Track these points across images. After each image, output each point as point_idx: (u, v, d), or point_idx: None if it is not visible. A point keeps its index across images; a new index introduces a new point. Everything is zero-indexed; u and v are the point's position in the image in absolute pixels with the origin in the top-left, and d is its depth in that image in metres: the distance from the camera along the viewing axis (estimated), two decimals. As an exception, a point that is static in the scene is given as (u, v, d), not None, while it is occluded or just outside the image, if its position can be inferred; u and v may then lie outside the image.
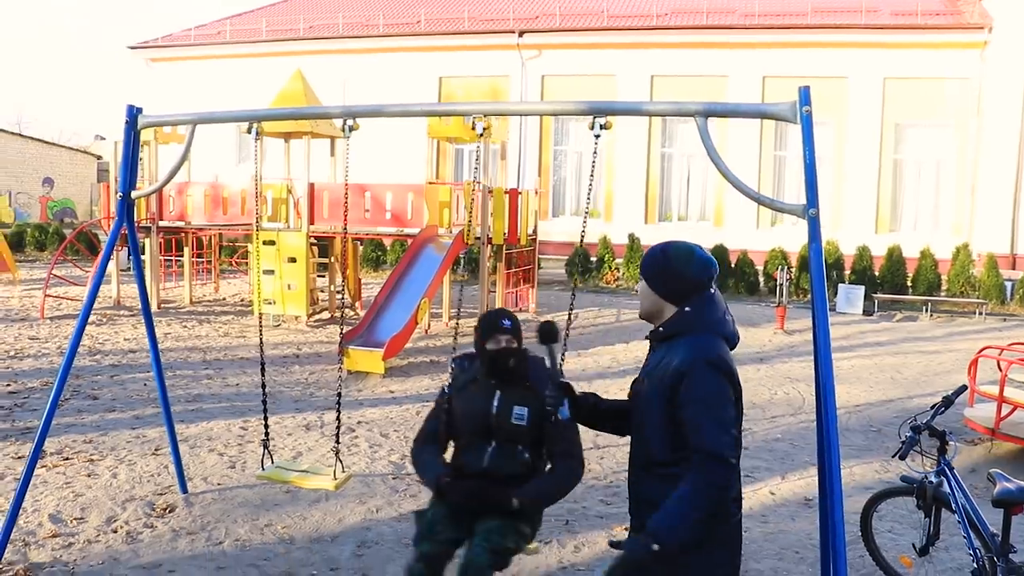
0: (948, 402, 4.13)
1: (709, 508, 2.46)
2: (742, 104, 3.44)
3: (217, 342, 11.28)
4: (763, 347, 12.30)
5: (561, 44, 24.06)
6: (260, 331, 4.81)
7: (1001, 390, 6.64)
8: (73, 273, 17.47)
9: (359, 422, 7.66)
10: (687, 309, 2.64)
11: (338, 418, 4.71)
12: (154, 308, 13.83)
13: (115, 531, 5.02)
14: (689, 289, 2.65)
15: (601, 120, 3.46)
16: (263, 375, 4.85)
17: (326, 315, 13.55)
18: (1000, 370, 7.00)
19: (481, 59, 24.45)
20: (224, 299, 15.65)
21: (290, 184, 13.05)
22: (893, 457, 4.14)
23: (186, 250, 14.71)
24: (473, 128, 3.69)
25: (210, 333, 11.95)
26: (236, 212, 13.29)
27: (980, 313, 15.97)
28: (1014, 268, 19.00)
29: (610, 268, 19.96)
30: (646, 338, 2.83)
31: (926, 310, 16.22)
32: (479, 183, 12.16)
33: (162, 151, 14.26)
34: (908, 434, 3.95)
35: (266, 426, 4.81)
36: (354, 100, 23.89)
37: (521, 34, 23.85)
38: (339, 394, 4.73)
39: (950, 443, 3.99)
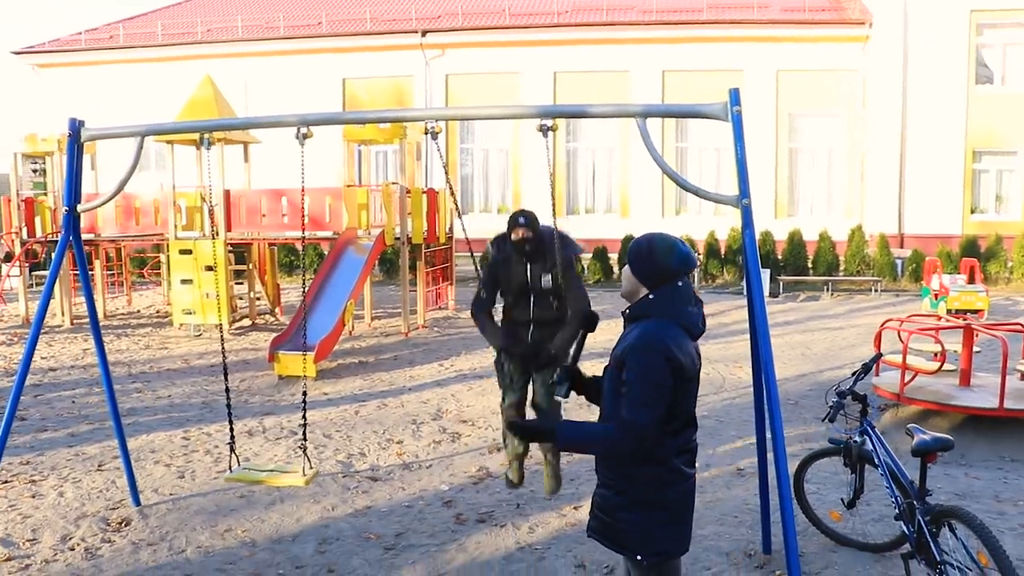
0: (867, 369, 4.55)
1: (605, 454, 2.95)
2: (680, 105, 3.74)
3: (139, 355, 11.07)
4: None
5: (464, 43, 24.25)
6: (222, 339, 4.89)
7: (904, 358, 7.22)
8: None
9: (300, 425, 7.70)
10: (651, 296, 2.90)
11: (304, 417, 4.85)
12: (67, 324, 13.43)
13: (72, 549, 5.00)
14: (662, 276, 2.89)
15: (548, 122, 3.71)
16: (226, 380, 4.94)
17: (247, 322, 13.41)
18: (901, 341, 7.60)
19: (385, 60, 24.42)
20: (138, 311, 15.27)
21: (204, 192, 12.87)
22: (823, 420, 4.55)
23: (97, 263, 14.29)
24: (426, 132, 3.88)
25: (130, 347, 11.71)
26: (149, 222, 13.02)
27: (876, 290, 16.98)
28: (902, 247, 20.22)
29: (525, 263, 20.27)
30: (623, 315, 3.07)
31: (827, 289, 17.16)
32: (397, 184, 12.28)
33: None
34: (834, 399, 4.35)
35: (231, 430, 4.90)
36: (257, 103, 23.50)
37: (424, 34, 23.94)
38: (304, 394, 4.87)
39: (870, 406, 4.41)
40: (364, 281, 11.43)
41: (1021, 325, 7.68)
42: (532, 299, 5.08)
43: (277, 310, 14.24)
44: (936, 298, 12.90)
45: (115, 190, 4.53)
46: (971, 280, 13.40)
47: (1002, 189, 21.14)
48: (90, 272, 15.24)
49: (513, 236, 5.04)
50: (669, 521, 2.88)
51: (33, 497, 5.84)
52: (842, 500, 4.81)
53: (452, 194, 4.68)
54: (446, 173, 4.56)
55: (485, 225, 23.35)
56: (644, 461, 2.82)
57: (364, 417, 8.05)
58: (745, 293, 3.43)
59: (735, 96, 3.57)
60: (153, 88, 24.56)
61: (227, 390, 4.99)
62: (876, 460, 4.31)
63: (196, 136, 12.15)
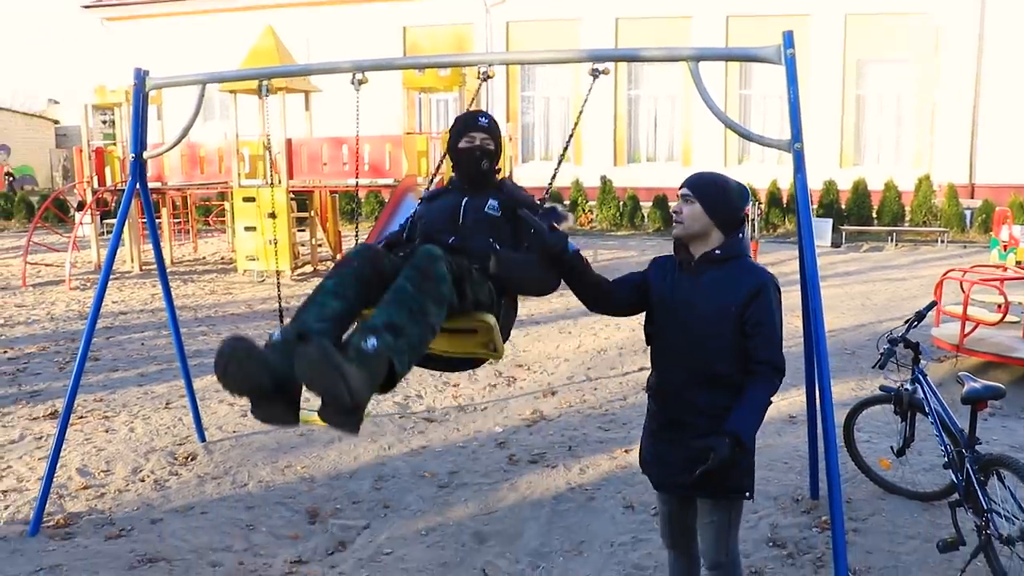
0: (920, 316, 4.50)
1: (766, 412, 2.89)
2: (733, 48, 3.72)
3: (205, 300, 11.43)
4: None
5: (524, -11, 23.95)
6: (278, 285, 5.04)
7: (964, 309, 7.06)
8: (47, 239, 17.38)
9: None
10: (740, 235, 2.96)
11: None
12: (136, 270, 13.91)
13: (142, 480, 5.28)
14: (739, 220, 2.97)
15: (600, 67, 3.70)
16: (281, 321, 5.09)
17: (308, 268, 13.71)
18: (963, 291, 7.44)
19: (445, 6, 24.25)
20: (204, 258, 15.73)
21: (266, 140, 13.06)
22: (873, 367, 4.52)
23: (164, 211, 14.72)
24: (478, 76, 3.90)
25: (196, 292, 12.09)
26: (214, 171, 13.32)
27: (942, 241, 16.53)
28: (972, 197, 19.56)
29: (584, 211, 20.23)
30: (690, 263, 2.98)
31: (891, 240, 16.75)
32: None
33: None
34: (886, 346, 4.32)
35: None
36: (318, 54, 23.60)
37: (485, -20, 23.70)
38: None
39: (923, 353, 4.37)
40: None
41: (1091, 277, 7.44)
42: (458, 235, 3.38)
43: (338, 257, 14.50)
44: (1005, 249, 12.50)
45: (178, 137, 4.68)
46: (1044, 231, 12.93)
47: (1083, 137, 20.21)
48: (157, 220, 15.76)
49: (462, 144, 3.46)
50: (753, 454, 3.03)
51: (106, 432, 6.15)
52: (892, 448, 4.80)
53: (511, 139, 4.23)
54: (507, 119, 4.51)
55: (546, 173, 23.32)
56: None
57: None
58: (799, 238, 3.42)
59: (788, 39, 3.51)
60: (217, 40, 24.83)
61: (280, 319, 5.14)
62: (927, 408, 4.29)
63: (256, 84, 12.39)
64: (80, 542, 4.43)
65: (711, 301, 2.90)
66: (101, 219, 14.95)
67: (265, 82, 4.18)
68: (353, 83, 4.05)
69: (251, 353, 2.67)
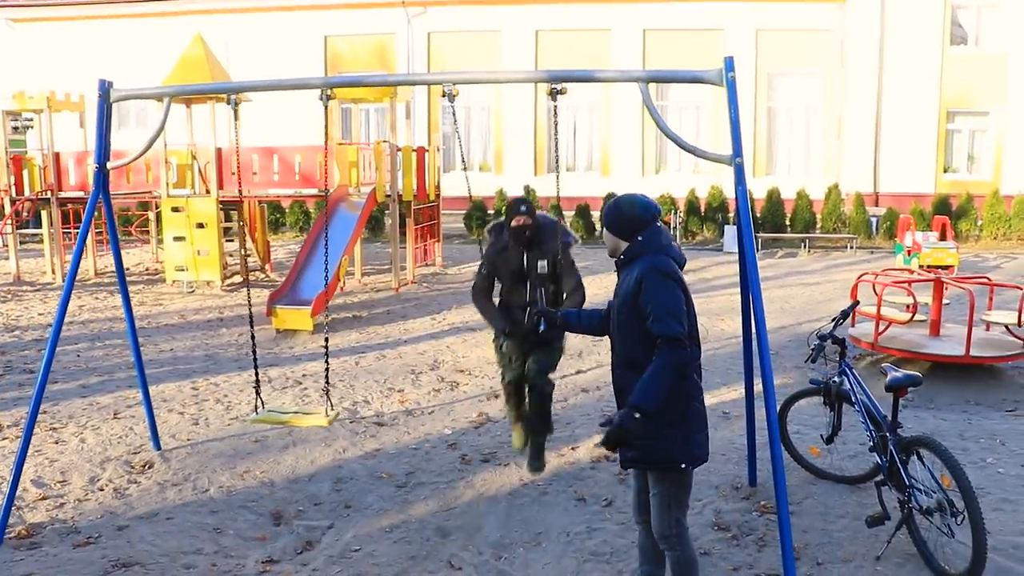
0: (845, 315, 4.93)
1: (671, 380, 3.23)
2: (679, 71, 4.03)
3: (136, 311, 11.15)
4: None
5: (447, 0, 24.19)
6: (248, 290, 5.16)
7: (878, 310, 7.63)
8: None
9: (304, 375, 8.03)
10: (639, 238, 3.41)
11: (326, 361, 5.13)
12: (58, 282, 13.58)
13: (101, 489, 5.31)
14: (637, 226, 3.42)
15: (558, 87, 3.99)
16: (252, 328, 5.27)
17: (238, 279, 13.62)
18: (876, 293, 8.01)
19: (366, 17, 24.33)
20: (128, 269, 15.41)
21: (194, 150, 12.99)
22: (806, 361, 4.93)
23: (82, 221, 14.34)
24: (443, 95, 4.14)
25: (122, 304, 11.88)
26: (140, 180, 13.13)
27: (851, 247, 17.46)
28: (877, 205, 20.69)
29: (508, 221, 20.52)
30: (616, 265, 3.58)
31: (804, 246, 17.61)
32: (388, 142, 12.47)
33: (58, 119, 13.79)
34: (816, 342, 4.74)
35: (256, 375, 5.18)
36: (238, 61, 23.36)
37: (407, -10, 23.87)
38: (326, 339, 5.18)
39: (848, 349, 4.80)
40: (357, 238, 11.68)
41: (987, 279, 8.12)
42: (528, 284, 5.25)
43: (267, 267, 14.45)
44: (909, 254, 13.36)
45: (144, 147, 4.77)
46: (943, 237, 13.86)
47: (974, 149, 21.63)
48: (77, 230, 15.37)
49: (513, 223, 5.14)
50: (700, 428, 3.41)
51: (56, 443, 6.13)
52: (821, 436, 5.22)
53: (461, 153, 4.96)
54: (457, 135, 4.82)
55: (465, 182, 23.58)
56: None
57: (364, 368, 8.37)
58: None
59: (730, 63, 3.87)
60: (136, 44, 24.37)
61: (252, 336, 5.31)
62: (853, 398, 4.70)
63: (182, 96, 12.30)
64: (48, 551, 4.46)
65: (620, 296, 3.45)
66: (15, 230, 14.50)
67: (234, 95, 4.30)
68: (322, 99, 4.23)
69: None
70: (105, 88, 4.60)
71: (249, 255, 13.90)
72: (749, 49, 22.82)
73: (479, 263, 5.51)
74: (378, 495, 5.27)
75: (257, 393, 5.13)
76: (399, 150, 12.56)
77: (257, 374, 5.25)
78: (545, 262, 5.20)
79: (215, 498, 5.20)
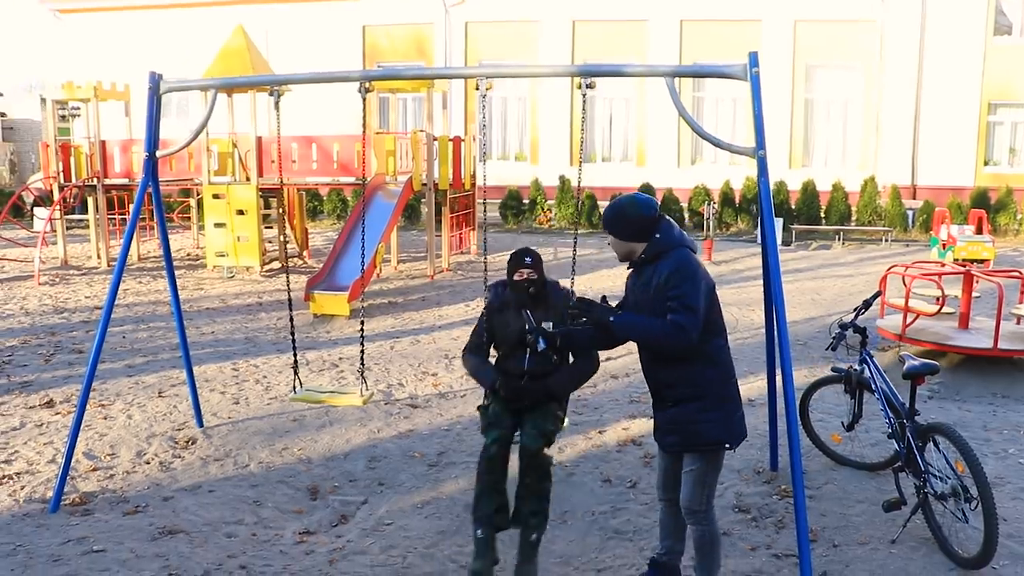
0: (867, 304, 5.03)
1: (654, 344, 3.51)
2: (705, 66, 4.16)
3: (179, 295, 11.60)
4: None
5: (484, -10, 24.30)
6: (287, 275, 5.38)
7: (906, 301, 7.67)
8: (5, 234, 17.28)
9: (340, 358, 8.28)
10: (657, 236, 3.52)
11: (362, 344, 5.35)
12: (104, 266, 14.00)
13: (148, 462, 5.59)
14: (649, 226, 3.53)
15: (587, 81, 4.13)
16: (291, 310, 5.50)
17: (276, 265, 13.94)
18: (905, 285, 8.05)
19: (404, 6, 24.51)
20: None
21: (235, 139, 13.30)
22: (826, 350, 5.05)
23: (132, 207, 14.73)
24: (476, 88, 4.30)
25: (167, 287, 12.24)
26: (183, 168, 13.48)
27: (886, 240, 17.35)
28: (914, 198, 20.48)
29: (543, 209, 20.68)
30: (629, 267, 3.73)
31: (838, 239, 17.53)
32: (424, 131, 12.67)
33: (104, 108, 14.19)
34: (837, 330, 4.85)
35: (295, 356, 5.41)
36: (277, 52, 23.71)
37: (444, -20, 24.01)
38: (362, 323, 5.40)
39: (869, 338, 4.90)
40: (394, 225, 11.91)
41: (1019, 272, 8.11)
42: (528, 351, 4.36)
43: (305, 253, 14.75)
44: (944, 248, 13.28)
45: (191, 137, 5.01)
46: (979, 231, 13.76)
47: (1016, 142, 21.29)
48: (123, 217, 15.82)
49: (516, 276, 4.38)
50: (737, 407, 3.59)
51: (105, 419, 6.42)
52: (842, 424, 5.33)
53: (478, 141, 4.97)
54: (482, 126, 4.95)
55: (502, 172, 23.80)
56: (711, 365, 3.49)
57: (399, 352, 8.60)
58: (759, 239, 3.91)
59: (754, 59, 3.99)
60: (174, 35, 24.82)
61: (291, 319, 5.54)
62: (873, 386, 4.81)
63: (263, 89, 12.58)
64: (100, 517, 4.74)
65: (646, 292, 3.57)
66: (63, 215, 14.96)
67: (277, 88, 4.50)
68: (360, 91, 4.42)
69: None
70: (155, 80, 4.83)
71: (288, 242, 14.21)
72: (787, 40, 22.63)
73: (476, 322, 4.72)
74: (411, 473, 5.48)
75: (295, 373, 5.35)
76: (435, 139, 12.76)
77: (296, 355, 5.48)
78: (551, 324, 4.33)
79: (255, 473, 5.45)
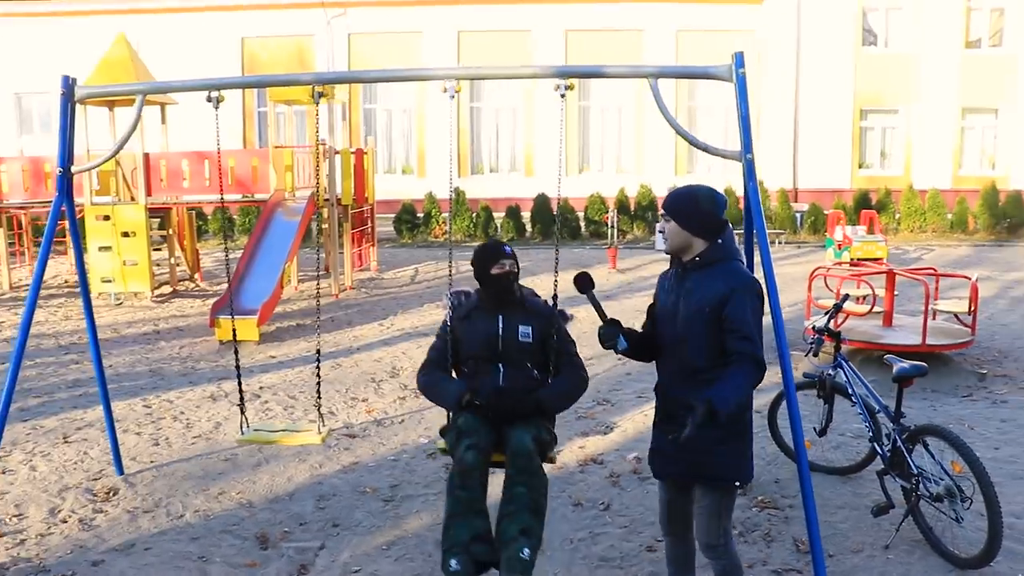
0: (837, 308, 4.99)
1: (745, 396, 3.09)
2: (688, 66, 3.98)
3: (63, 326, 10.66)
4: (603, 286, 13.23)
5: (366, 1, 23.78)
6: (231, 310, 4.86)
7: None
8: None
9: (261, 387, 7.70)
10: (719, 241, 3.19)
11: (317, 373, 4.89)
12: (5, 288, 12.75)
13: (64, 521, 4.92)
14: (718, 227, 3.19)
15: (564, 83, 3.88)
16: (236, 340, 4.94)
17: (167, 289, 13.04)
18: (827, 286, 8.20)
19: (284, 18, 23.72)
20: (45, 282, 14.57)
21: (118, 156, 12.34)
22: (806, 356, 4.97)
23: (0, 231, 13.47)
24: (444, 91, 3.96)
25: (49, 318, 11.23)
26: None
27: (779, 242, 17.92)
28: (796, 200, 21.32)
29: (437, 222, 20.34)
30: (676, 267, 3.34)
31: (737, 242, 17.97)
32: (326, 144, 12.13)
33: None
34: (815, 336, 4.77)
35: (240, 393, 4.89)
36: (151, 64, 22.42)
37: (325, -9, 23.37)
38: (318, 351, 4.92)
39: (844, 341, 4.85)
40: (298, 244, 11.33)
41: (934, 270, 8.39)
42: (501, 364, 3.82)
43: (196, 276, 13.89)
44: (839, 248, 13.76)
45: (114, 150, 4.44)
46: (870, 231, 14.35)
47: (886, 146, 22.52)
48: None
49: (495, 270, 3.81)
50: (749, 445, 3.26)
51: (3, 473, 5.68)
52: (814, 429, 5.26)
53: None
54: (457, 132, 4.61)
55: (390, 186, 23.26)
56: None
57: (323, 378, 8.05)
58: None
59: (740, 59, 3.84)
60: (35, 45, 23.16)
61: (236, 352, 4.99)
62: (850, 390, 4.75)
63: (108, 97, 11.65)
64: (20, 592, 4.11)
65: (691, 303, 3.19)
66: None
67: (215, 93, 4.03)
68: (314, 96, 4.00)
69: None
70: (68, 85, 4.25)
71: (178, 264, 13.33)
72: (669, 49, 23.18)
73: (434, 338, 4.12)
74: (366, 511, 5.05)
75: (242, 411, 4.83)
76: (337, 153, 12.24)
77: (241, 392, 4.95)
78: (530, 329, 3.81)
79: (193, 523, 4.89)
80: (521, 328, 3.84)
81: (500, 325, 3.84)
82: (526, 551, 3.33)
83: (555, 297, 3.89)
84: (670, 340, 3.28)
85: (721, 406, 2.89)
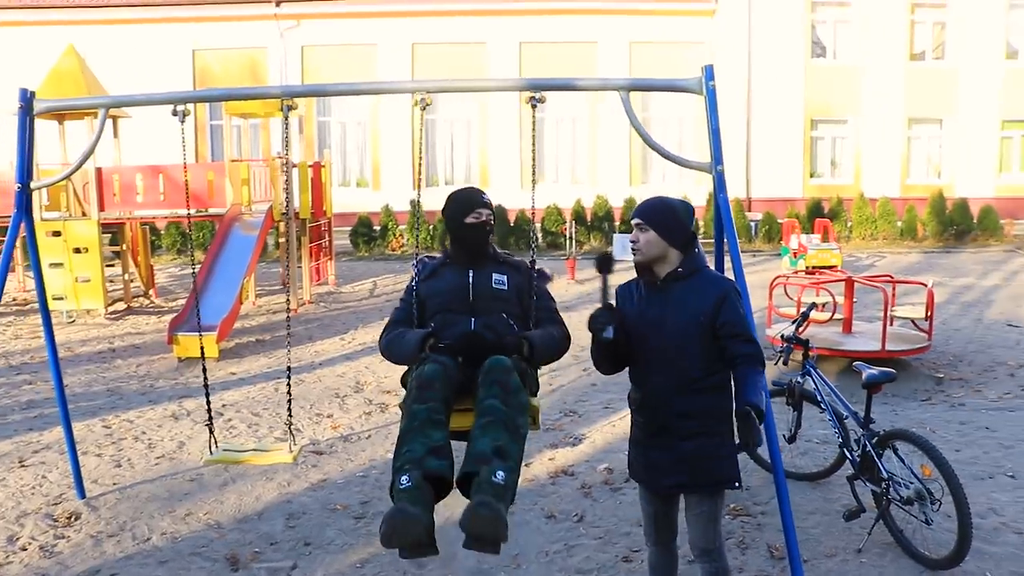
0: (804, 316, 5.07)
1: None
2: (658, 79, 4.03)
3: (13, 346, 10.35)
4: (562, 297, 13.24)
5: (320, 13, 23.62)
6: (199, 325, 4.75)
7: (798, 309, 7.90)
8: None
9: (224, 405, 7.56)
10: (697, 251, 3.25)
11: (288, 390, 4.81)
12: (-86, 318, 12.31)
13: (24, 548, 4.76)
14: (691, 237, 3.26)
15: (536, 95, 3.89)
16: (203, 359, 4.84)
17: (121, 306, 12.76)
18: (787, 295, 8.32)
19: (236, 30, 23.44)
20: (-9, 301, 14.18)
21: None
22: (775, 364, 5.02)
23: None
24: (281, 108, 3.94)
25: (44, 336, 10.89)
26: (7, 203, 12.06)
27: (734, 250, 18.17)
28: (750, 210, 21.67)
29: (394, 235, 20.25)
30: (655, 283, 3.30)
31: (689, 251, 18.19)
32: (283, 157, 11.99)
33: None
34: (784, 345, 4.83)
35: (209, 411, 4.78)
36: (101, 75, 21.98)
37: (279, 3, 23.15)
38: (288, 368, 4.83)
39: (813, 349, 4.93)
40: (257, 259, 11.17)
41: (891, 276, 8.56)
42: (474, 316, 3.48)
43: (151, 292, 13.61)
44: (795, 256, 14.00)
45: (77, 163, 4.33)
46: (825, 239, 14.61)
47: (836, 155, 23.02)
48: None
49: (471, 219, 3.53)
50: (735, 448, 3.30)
51: (-44, 499, 5.49)
52: (783, 436, 5.32)
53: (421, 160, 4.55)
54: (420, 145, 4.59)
55: (345, 199, 23.04)
56: (729, 395, 3.17)
57: (286, 394, 7.95)
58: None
59: (709, 72, 3.89)
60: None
61: (204, 369, 4.90)
62: (819, 396, 4.82)
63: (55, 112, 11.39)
64: (-18, 622, 3.97)
65: (682, 314, 3.20)
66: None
67: (181, 107, 3.96)
68: (282, 109, 3.95)
69: (409, 520, 2.87)
70: (27, 98, 4.14)
71: (132, 280, 13.06)
72: (623, 61, 23.40)
73: (396, 305, 3.75)
74: (337, 529, 4.98)
75: (210, 431, 4.72)
76: (295, 166, 12.12)
77: (210, 411, 4.84)
78: (505, 277, 3.54)
79: (160, 547, 4.77)
80: (495, 276, 3.55)
81: (471, 277, 3.53)
82: (500, 474, 2.89)
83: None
84: (657, 352, 3.23)
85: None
